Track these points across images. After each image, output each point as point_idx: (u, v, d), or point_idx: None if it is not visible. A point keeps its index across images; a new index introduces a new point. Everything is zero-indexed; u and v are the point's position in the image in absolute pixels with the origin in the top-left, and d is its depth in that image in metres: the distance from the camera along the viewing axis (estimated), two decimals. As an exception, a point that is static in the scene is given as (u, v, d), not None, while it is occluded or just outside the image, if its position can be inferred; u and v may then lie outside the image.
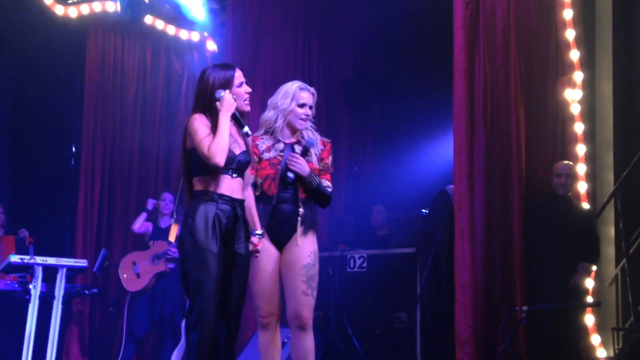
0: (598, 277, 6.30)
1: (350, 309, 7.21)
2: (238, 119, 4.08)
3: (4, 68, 8.69)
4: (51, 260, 6.34)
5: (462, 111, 6.02)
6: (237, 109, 4.07)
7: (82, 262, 6.65)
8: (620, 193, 6.34)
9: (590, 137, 6.52)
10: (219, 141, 3.90)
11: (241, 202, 4.07)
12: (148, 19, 8.86)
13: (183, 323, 7.61)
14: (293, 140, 4.56)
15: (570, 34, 6.38)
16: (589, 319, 6.07)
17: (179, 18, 8.94)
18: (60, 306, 6.37)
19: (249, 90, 4.17)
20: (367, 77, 9.31)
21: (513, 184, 6.00)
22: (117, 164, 9.00)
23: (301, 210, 4.45)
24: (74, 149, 9.43)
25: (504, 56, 6.11)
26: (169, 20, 9.00)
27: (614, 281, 6.47)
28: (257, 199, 4.41)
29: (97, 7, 8.78)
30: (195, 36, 9.14)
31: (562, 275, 5.96)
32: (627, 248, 6.26)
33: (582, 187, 6.28)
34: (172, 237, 7.77)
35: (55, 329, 6.34)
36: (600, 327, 6.13)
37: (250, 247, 4.16)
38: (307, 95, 4.55)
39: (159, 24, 8.99)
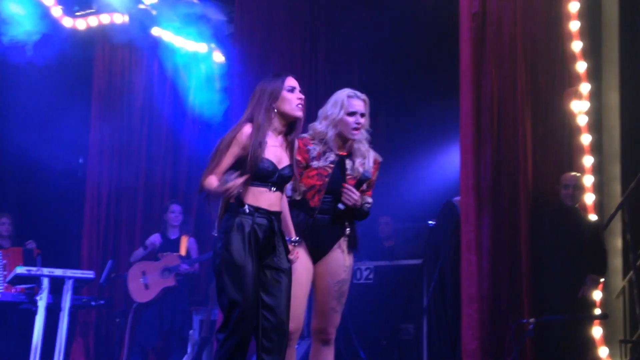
0: (605, 289, 6.28)
1: (357, 320, 7.19)
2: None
3: (11, 80, 8.72)
4: (58, 272, 6.36)
5: (468, 122, 6.02)
6: (287, 113, 3.90)
7: (88, 274, 6.66)
8: (628, 204, 6.33)
9: (597, 148, 6.51)
10: (211, 186, 3.73)
11: (278, 215, 3.88)
12: (155, 31, 8.90)
13: (190, 333, 7.61)
14: (344, 152, 4.39)
15: (577, 46, 6.38)
16: (597, 331, 6.05)
17: (186, 30, 8.97)
18: (67, 317, 6.37)
19: (301, 96, 3.92)
20: (373, 88, 9.28)
21: (520, 195, 5.99)
22: (123, 176, 9.01)
23: (348, 230, 4.34)
24: (80, 161, 9.45)
25: (511, 67, 6.11)
26: (176, 32, 9.03)
27: (622, 293, 6.45)
28: (297, 206, 4.25)
29: (105, 20, 8.83)
30: (202, 48, 9.17)
31: (570, 287, 5.94)
32: (634, 260, 6.25)
33: (589, 198, 6.27)
34: (182, 251, 7.75)
35: (62, 340, 6.34)
36: (607, 339, 6.10)
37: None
38: (358, 103, 4.36)
39: (167, 36, 9.03)
